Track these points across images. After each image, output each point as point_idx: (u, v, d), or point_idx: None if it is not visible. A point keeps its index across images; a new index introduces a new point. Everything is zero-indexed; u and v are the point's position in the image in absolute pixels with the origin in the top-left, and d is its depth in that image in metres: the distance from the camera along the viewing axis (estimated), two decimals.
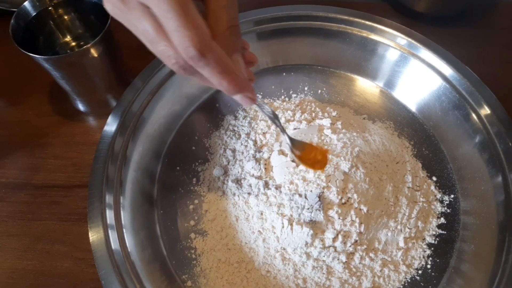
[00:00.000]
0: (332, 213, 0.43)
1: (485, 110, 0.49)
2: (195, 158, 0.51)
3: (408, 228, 0.46)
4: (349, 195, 0.43)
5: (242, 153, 0.50)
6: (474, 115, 0.50)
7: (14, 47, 0.45)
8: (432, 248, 0.46)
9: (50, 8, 0.51)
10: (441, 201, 0.49)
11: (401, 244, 0.45)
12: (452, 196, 0.49)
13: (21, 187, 0.50)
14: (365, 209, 0.44)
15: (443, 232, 0.47)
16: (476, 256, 0.44)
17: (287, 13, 0.57)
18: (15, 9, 0.48)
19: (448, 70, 0.52)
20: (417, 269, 0.45)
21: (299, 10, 0.57)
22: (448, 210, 0.48)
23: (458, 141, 0.51)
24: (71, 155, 0.52)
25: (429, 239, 0.46)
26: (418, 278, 0.44)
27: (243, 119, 0.54)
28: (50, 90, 0.57)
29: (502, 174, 0.46)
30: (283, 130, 0.42)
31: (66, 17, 0.53)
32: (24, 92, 0.58)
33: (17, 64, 0.58)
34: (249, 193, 0.47)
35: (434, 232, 0.46)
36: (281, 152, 0.48)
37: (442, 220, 0.47)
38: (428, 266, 0.45)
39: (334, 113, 0.53)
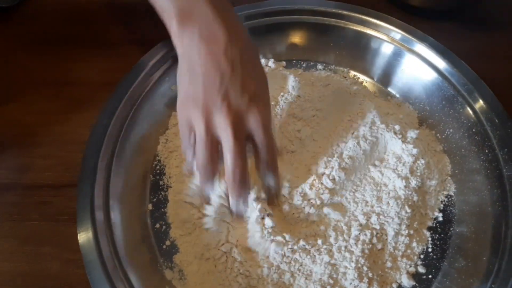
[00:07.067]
0: (327, 210, 0.42)
1: (481, 105, 0.49)
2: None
3: (406, 224, 0.45)
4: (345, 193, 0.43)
5: None
6: (470, 110, 0.50)
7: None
8: (428, 245, 0.45)
9: None
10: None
11: (398, 238, 0.44)
12: (447, 191, 0.48)
13: (9, 188, 0.49)
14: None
15: (439, 227, 0.46)
16: (473, 252, 0.44)
17: (280, 7, 0.56)
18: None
19: (443, 65, 0.52)
20: (414, 264, 0.44)
21: (293, 5, 0.56)
22: (444, 206, 0.47)
23: (454, 136, 0.50)
24: (60, 154, 0.51)
25: (425, 235, 0.45)
26: (416, 269, 0.44)
27: None
28: (39, 88, 0.56)
29: (498, 169, 0.46)
30: None
31: None
32: (12, 90, 0.56)
33: (5, 62, 0.57)
34: None
35: (430, 225, 0.46)
36: None
37: (439, 215, 0.47)
38: (424, 265, 0.44)
39: None
